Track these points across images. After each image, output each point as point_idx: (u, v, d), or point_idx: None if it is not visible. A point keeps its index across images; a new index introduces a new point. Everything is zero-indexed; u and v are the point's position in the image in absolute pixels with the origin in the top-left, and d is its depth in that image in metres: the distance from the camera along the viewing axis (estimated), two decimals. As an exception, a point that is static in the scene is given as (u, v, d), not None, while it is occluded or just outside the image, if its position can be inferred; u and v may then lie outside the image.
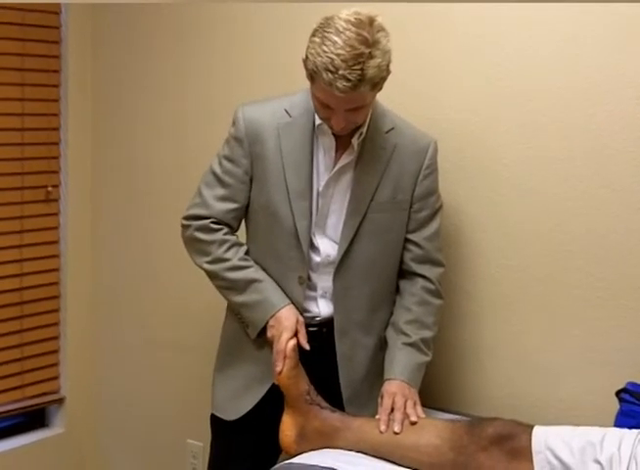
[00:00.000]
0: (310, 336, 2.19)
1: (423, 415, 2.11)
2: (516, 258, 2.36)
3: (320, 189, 2.18)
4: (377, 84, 2.00)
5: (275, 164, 2.17)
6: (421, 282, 2.27)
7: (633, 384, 2.11)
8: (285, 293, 2.19)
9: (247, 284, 2.19)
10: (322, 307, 2.23)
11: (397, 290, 2.31)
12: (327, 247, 2.20)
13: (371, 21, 1.96)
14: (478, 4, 2.34)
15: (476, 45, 2.37)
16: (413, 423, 2.06)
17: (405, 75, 2.39)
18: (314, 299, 2.24)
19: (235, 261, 2.20)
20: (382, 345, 2.28)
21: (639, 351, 2.18)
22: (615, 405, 2.09)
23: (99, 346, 3.33)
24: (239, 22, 2.83)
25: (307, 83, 2.05)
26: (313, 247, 2.20)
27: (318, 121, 2.14)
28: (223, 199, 2.22)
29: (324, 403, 2.13)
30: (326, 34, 1.94)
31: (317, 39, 1.96)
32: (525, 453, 1.90)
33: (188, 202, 2.28)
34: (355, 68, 1.92)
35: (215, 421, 2.34)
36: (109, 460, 3.35)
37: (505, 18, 2.32)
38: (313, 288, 2.23)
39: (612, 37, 2.17)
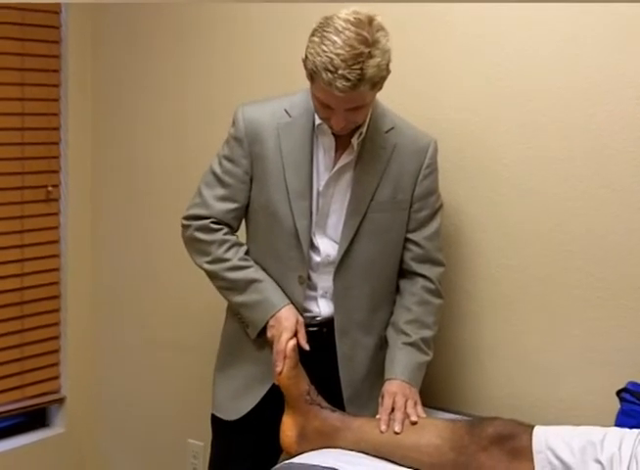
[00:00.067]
0: (311, 336, 2.19)
1: (423, 415, 2.11)
2: (516, 257, 2.36)
3: (320, 189, 2.18)
4: (376, 84, 1.99)
5: (275, 163, 2.17)
6: (421, 282, 2.27)
7: (634, 383, 2.11)
8: (285, 293, 2.20)
9: (247, 284, 2.19)
10: (322, 307, 2.23)
11: (397, 289, 2.31)
12: (327, 247, 2.20)
13: (370, 20, 1.96)
14: (478, 4, 2.34)
15: (476, 45, 2.37)
16: (414, 423, 2.07)
17: (405, 75, 2.39)
18: (314, 298, 2.24)
19: (235, 261, 2.20)
20: (382, 344, 2.28)
21: (639, 351, 2.18)
22: (614, 405, 2.09)
23: (99, 346, 3.33)
24: (239, 22, 2.83)
25: (307, 83, 2.05)
26: (313, 247, 2.20)
27: (318, 121, 2.14)
28: (223, 199, 2.22)
29: (324, 403, 2.13)
30: (325, 34, 1.94)
31: (316, 39, 1.96)
32: (525, 453, 1.90)
33: (188, 202, 2.28)
34: (355, 67, 1.92)
35: (216, 421, 2.34)
36: (109, 460, 3.35)
37: (505, 18, 2.32)
38: (313, 288, 2.23)
39: (612, 37, 2.17)
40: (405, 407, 2.09)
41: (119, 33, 3.16)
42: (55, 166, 3.17)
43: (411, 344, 2.21)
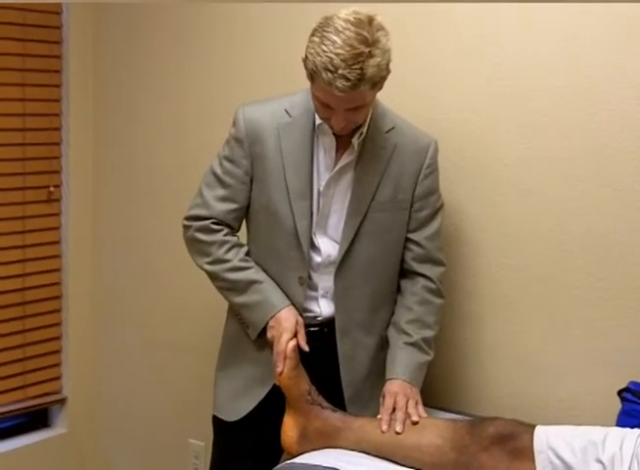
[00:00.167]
0: (312, 336, 2.20)
1: (424, 415, 2.11)
2: (516, 257, 2.36)
3: (321, 189, 2.18)
4: (377, 83, 1.99)
5: (275, 164, 2.17)
6: (422, 281, 2.27)
7: (635, 383, 2.11)
8: (285, 293, 2.20)
9: (247, 285, 2.19)
10: (323, 307, 2.23)
11: (398, 289, 2.30)
12: (328, 247, 2.20)
13: (370, 20, 1.96)
14: (478, 4, 2.34)
15: (476, 45, 2.36)
16: (415, 423, 2.06)
17: (405, 75, 2.39)
18: (315, 299, 2.23)
19: (235, 262, 2.20)
20: (383, 344, 2.28)
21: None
22: (615, 406, 2.09)
23: (100, 346, 3.33)
24: (239, 22, 2.83)
25: (308, 83, 2.05)
26: (314, 247, 2.20)
27: (318, 121, 2.14)
28: (224, 199, 2.22)
29: (325, 403, 2.13)
30: (325, 34, 1.94)
31: (316, 39, 1.96)
32: (526, 453, 1.90)
33: (189, 202, 2.28)
34: (355, 67, 1.92)
35: (216, 421, 2.34)
36: (111, 460, 3.35)
37: (505, 18, 2.32)
38: (314, 288, 2.23)
39: (612, 37, 2.16)
40: (406, 407, 2.09)
41: (120, 34, 3.16)
42: (56, 167, 3.17)
43: (412, 344, 2.21)
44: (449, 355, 2.47)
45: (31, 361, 3.15)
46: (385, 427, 2.06)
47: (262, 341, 2.20)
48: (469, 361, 2.46)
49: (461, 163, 2.40)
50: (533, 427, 1.94)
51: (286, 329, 2.12)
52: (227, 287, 2.23)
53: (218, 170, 2.22)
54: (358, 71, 1.92)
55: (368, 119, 2.14)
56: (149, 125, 3.11)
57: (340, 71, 1.91)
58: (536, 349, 2.34)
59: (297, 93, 2.21)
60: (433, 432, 2.03)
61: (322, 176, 2.18)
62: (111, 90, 3.21)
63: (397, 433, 2.04)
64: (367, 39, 1.93)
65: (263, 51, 2.78)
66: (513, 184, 2.34)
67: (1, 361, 3.05)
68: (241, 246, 2.24)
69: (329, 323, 2.23)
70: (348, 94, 1.95)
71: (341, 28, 1.93)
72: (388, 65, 1.99)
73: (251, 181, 2.21)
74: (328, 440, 2.10)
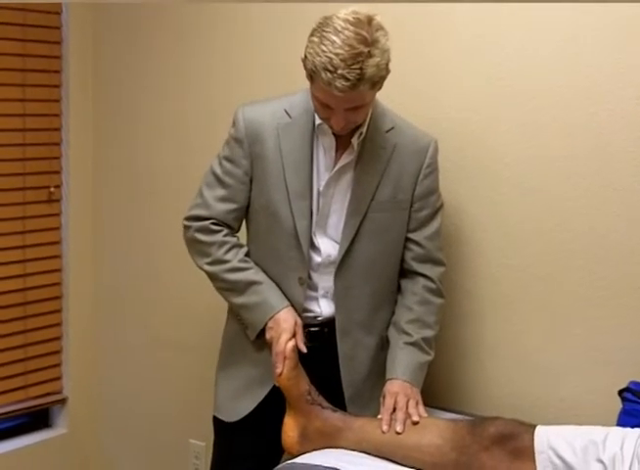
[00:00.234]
0: (312, 336, 2.20)
1: (425, 415, 2.11)
2: (517, 257, 2.36)
3: (321, 189, 2.18)
4: (376, 83, 1.99)
5: (275, 164, 2.17)
6: (422, 281, 2.27)
7: (636, 383, 2.10)
8: (286, 293, 2.20)
9: (246, 286, 2.19)
10: (323, 307, 2.23)
11: (399, 289, 2.30)
12: (328, 247, 2.20)
13: (369, 20, 1.95)
14: (478, 4, 2.34)
15: (476, 45, 2.36)
16: (415, 423, 2.06)
17: (406, 75, 2.39)
18: (315, 299, 2.23)
19: (235, 263, 2.20)
20: (383, 344, 2.28)
21: (640, 350, 2.19)
22: (615, 405, 2.09)
23: (101, 346, 3.33)
24: (239, 22, 2.83)
25: (308, 83, 2.05)
26: (314, 247, 2.20)
27: (318, 121, 2.14)
28: (223, 199, 2.22)
29: (325, 403, 2.13)
30: (324, 34, 1.94)
31: (316, 39, 1.96)
32: (527, 453, 1.90)
33: (190, 202, 2.28)
34: (354, 67, 1.92)
35: (217, 422, 2.34)
36: (112, 460, 3.36)
37: (505, 18, 2.31)
38: (314, 288, 2.23)
39: (612, 37, 2.16)
40: (407, 407, 2.09)
41: (120, 34, 3.16)
42: (56, 167, 3.17)
43: (412, 343, 2.21)
44: (450, 355, 2.47)
45: (32, 362, 3.15)
46: (385, 427, 2.06)
47: (262, 342, 2.19)
48: (469, 361, 2.46)
49: (461, 162, 2.40)
50: (534, 427, 1.94)
51: (285, 330, 2.12)
52: (226, 288, 2.23)
53: (218, 170, 2.22)
54: (358, 71, 1.92)
55: (368, 119, 2.14)
56: (149, 125, 3.11)
57: (339, 71, 1.91)
58: (537, 348, 2.34)
59: (297, 93, 2.21)
60: (433, 432, 2.02)
61: (322, 176, 2.18)
62: (111, 90, 3.21)
63: (398, 433, 2.04)
64: (366, 39, 1.93)
65: (264, 51, 2.78)
66: (513, 184, 2.34)
67: (2, 362, 3.06)
68: (240, 246, 2.25)
69: (329, 323, 2.23)
70: (348, 94, 1.95)
71: (340, 28, 1.93)
72: (387, 64, 1.99)
73: (251, 181, 2.21)
74: (328, 440, 2.10)
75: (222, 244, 2.21)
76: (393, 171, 2.19)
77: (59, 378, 3.27)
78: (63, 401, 3.29)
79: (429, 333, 2.24)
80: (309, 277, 2.21)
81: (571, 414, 2.24)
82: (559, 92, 2.25)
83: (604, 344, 2.24)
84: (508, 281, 2.37)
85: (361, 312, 2.24)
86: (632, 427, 1.94)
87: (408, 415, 2.08)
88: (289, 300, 2.19)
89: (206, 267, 2.23)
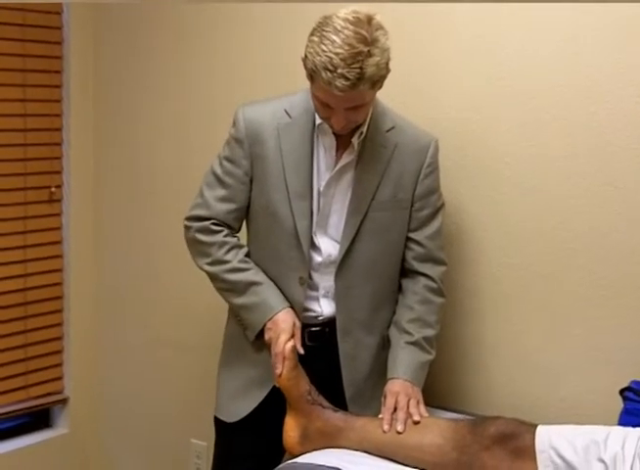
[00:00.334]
0: (313, 335, 2.21)
1: (426, 414, 2.11)
2: (517, 256, 2.36)
3: (321, 188, 2.18)
4: (376, 83, 1.99)
5: (275, 164, 2.17)
6: (423, 281, 2.27)
7: (637, 382, 2.10)
8: (286, 293, 2.20)
9: (246, 286, 2.19)
10: (324, 307, 2.23)
11: (400, 289, 2.30)
12: (328, 246, 2.20)
13: (369, 19, 1.95)
14: (478, 4, 2.34)
15: (476, 45, 2.36)
16: (416, 422, 2.06)
17: (406, 74, 2.39)
18: (316, 298, 2.23)
19: (235, 264, 2.20)
20: (384, 344, 2.27)
21: (641, 349, 2.18)
22: (616, 405, 2.09)
23: (102, 346, 3.34)
24: (240, 22, 2.83)
25: (308, 83, 2.05)
26: (315, 246, 2.20)
27: (318, 121, 2.14)
28: (224, 200, 2.22)
29: (326, 403, 2.13)
30: (324, 33, 1.94)
31: (316, 38, 1.96)
32: (528, 453, 1.90)
33: (190, 202, 2.28)
34: (354, 66, 1.92)
35: (218, 422, 2.34)
36: (113, 460, 3.36)
37: (505, 18, 2.31)
38: (315, 288, 2.23)
39: (612, 37, 2.16)
40: (408, 407, 2.09)
41: (121, 34, 3.16)
42: (57, 167, 3.17)
43: (414, 343, 2.21)
44: (450, 355, 2.47)
45: (33, 362, 3.15)
46: (386, 427, 2.06)
47: (261, 342, 2.19)
48: (470, 361, 2.46)
49: (462, 161, 2.40)
50: (535, 426, 1.93)
51: (283, 330, 2.12)
52: (226, 288, 2.23)
53: (218, 171, 2.23)
54: (357, 71, 1.92)
55: (368, 119, 2.14)
56: (150, 125, 3.11)
57: (339, 71, 1.91)
58: (538, 348, 2.34)
59: (297, 93, 2.21)
60: (434, 431, 2.02)
61: (322, 176, 2.18)
62: (111, 90, 3.21)
63: (399, 432, 2.04)
64: (366, 38, 1.93)
65: (265, 51, 2.78)
66: (514, 183, 2.34)
67: (3, 362, 3.06)
68: (241, 247, 2.25)
69: (330, 323, 2.23)
70: (348, 93, 1.95)
71: (340, 28, 1.93)
72: (387, 64, 1.99)
73: (251, 181, 2.21)
74: (329, 440, 2.10)
75: (222, 244, 2.21)
76: (394, 171, 2.19)
77: (60, 378, 3.27)
78: (64, 401, 3.29)
79: (430, 332, 2.24)
80: (310, 277, 2.21)
81: (572, 414, 2.24)
82: (559, 92, 2.25)
83: (604, 343, 2.24)
84: (509, 280, 2.37)
85: (362, 312, 2.24)
86: (634, 426, 1.94)
87: (409, 415, 2.08)
88: (289, 300, 2.19)
89: (207, 268, 2.23)
